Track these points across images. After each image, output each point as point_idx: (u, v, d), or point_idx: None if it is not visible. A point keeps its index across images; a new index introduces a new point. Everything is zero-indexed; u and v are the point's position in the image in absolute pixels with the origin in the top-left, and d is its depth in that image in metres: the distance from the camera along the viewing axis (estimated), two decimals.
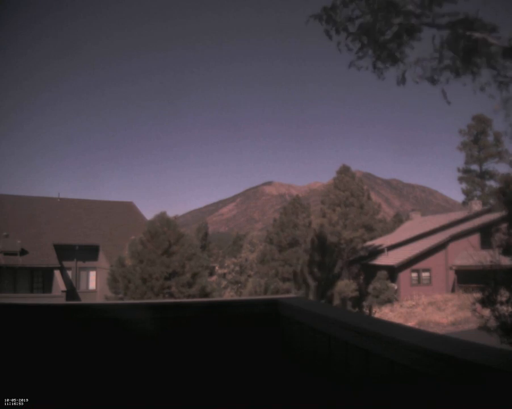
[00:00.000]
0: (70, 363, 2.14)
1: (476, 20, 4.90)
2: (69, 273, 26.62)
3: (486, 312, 8.36)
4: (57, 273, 23.75)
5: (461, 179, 45.03)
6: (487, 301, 8.19)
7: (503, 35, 5.05)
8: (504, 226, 10.10)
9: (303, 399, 2.17)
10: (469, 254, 19.44)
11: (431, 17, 5.03)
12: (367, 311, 23.99)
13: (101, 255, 26.93)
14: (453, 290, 28.03)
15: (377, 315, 23.10)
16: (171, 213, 18.58)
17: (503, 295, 8.14)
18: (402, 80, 5.31)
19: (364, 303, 26.71)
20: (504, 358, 1.20)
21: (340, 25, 5.17)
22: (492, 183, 42.39)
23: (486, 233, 25.57)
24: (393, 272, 28.86)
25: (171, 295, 16.30)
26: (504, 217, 10.42)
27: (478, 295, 8.63)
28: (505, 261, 9.06)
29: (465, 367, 1.16)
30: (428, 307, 25.02)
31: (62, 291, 21.73)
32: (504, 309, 8.01)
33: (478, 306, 8.49)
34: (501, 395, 1.06)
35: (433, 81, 5.22)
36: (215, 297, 16.84)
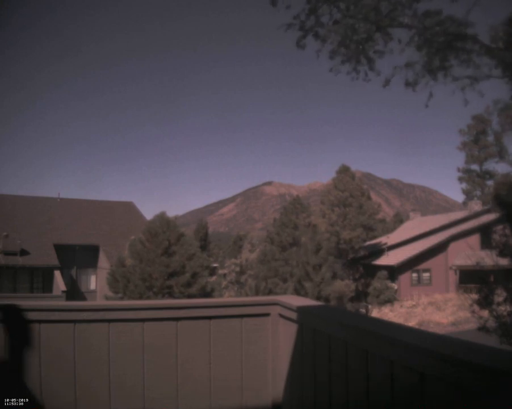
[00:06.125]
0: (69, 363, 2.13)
1: (450, 17, 4.90)
2: (69, 273, 26.60)
3: (485, 312, 8.37)
4: (57, 273, 23.73)
5: (461, 179, 44.99)
6: (484, 302, 8.19)
7: (479, 32, 5.07)
8: (499, 227, 10.08)
9: (303, 400, 2.17)
10: (467, 255, 19.42)
11: (410, 16, 5.04)
12: (364, 311, 23.98)
13: (101, 255, 26.91)
14: (456, 290, 27.98)
15: (377, 315, 23.08)
16: (171, 213, 18.55)
17: (501, 295, 8.14)
18: (386, 84, 5.33)
19: (364, 303, 26.69)
20: (505, 358, 1.20)
21: (311, 31, 5.17)
22: (492, 183, 42.30)
23: (486, 233, 25.53)
24: (393, 272, 28.84)
25: (171, 295, 16.29)
26: (500, 219, 10.40)
27: (475, 295, 8.63)
28: (503, 261, 9.06)
29: (465, 367, 1.16)
30: (428, 307, 24.99)
31: (62, 291, 21.71)
32: (502, 309, 8.02)
33: (475, 307, 8.49)
34: (501, 395, 1.06)
35: (414, 86, 5.24)
36: (215, 298, 16.82)
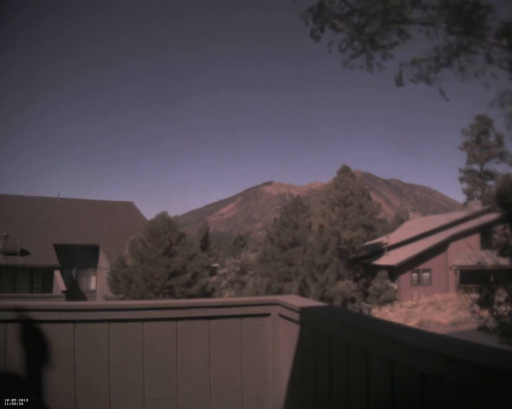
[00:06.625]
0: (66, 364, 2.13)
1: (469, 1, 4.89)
2: (69, 273, 26.60)
3: (485, 312, 8.37)
4: (57, 273, 23.74)
5: (462, 179, 45.01)
6: (484, 302, 8.19)
7: (500, 16, 5.05)
8: (500, 228, 10.11)
9: (302, 399, 2.17)
10: (468, 254, 19.41)
11: (420, 9, 5.03)
12: (367, 311, 23.98)
13: (101, 255, 26.91)
14: (456, 290, 27.98)
15: (377, 315, 23.08)
16: (171, 213, 18.54)
17: (501, 295, 8.14)
18: (399, 81, 5.29)
19: (364, 303, 26.69)
20: (505, 358, 1.20)
21: (328, 23, 5.14)
22: (493, 183, 42.33)
23: (486, 233, 25.51)
24: (393, 272, 28.84)
25: (172, 295, 16.30)
26: (500, 219, 10.40)
27: (476, 295, 8.63)
28: (504, 261, 9.06)
29: (465, 367, 1.16)
30: (428, 307, 24.99)
31: (62, 291, 21.72)
32: (502, 309, 8.02)
33: (476, 307, 8.49)
34: (501, 395, 1.06)
35: (428, 81, 5.19)
36: (215, 298, 16.82)
